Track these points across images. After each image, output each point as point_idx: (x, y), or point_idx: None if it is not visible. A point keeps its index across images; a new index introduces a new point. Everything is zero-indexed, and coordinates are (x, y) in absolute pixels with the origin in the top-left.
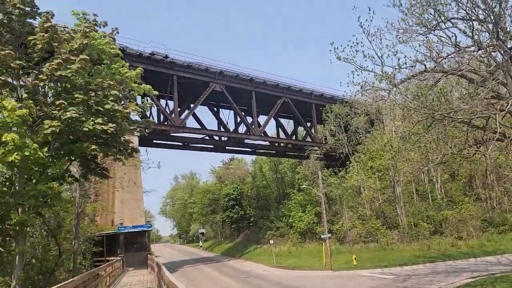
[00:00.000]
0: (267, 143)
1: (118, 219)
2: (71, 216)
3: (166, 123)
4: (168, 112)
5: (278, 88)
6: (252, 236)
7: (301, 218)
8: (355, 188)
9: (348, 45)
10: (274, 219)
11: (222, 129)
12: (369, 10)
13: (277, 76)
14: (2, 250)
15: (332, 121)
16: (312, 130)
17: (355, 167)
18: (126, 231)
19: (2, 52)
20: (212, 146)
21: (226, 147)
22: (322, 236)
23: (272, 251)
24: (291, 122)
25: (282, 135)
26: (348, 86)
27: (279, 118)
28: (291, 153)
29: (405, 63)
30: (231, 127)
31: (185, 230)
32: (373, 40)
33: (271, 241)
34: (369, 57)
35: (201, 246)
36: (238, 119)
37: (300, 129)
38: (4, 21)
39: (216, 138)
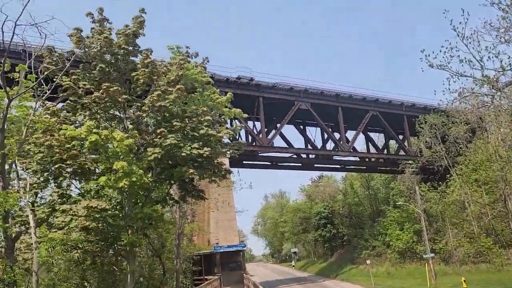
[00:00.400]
0: (356, 158)
1: (214, 239)
2: (172, 236)
3: (254, 143)
4: (256, 133)
5: (365, 102)
6: (347, 255)
7: (399, 237)
8: (459, 203)
9: (440, 51)
10: (369, 237)
11: (309, 147)
12: (463, 12)
13: (363, 90)
14: (116, 269)
15: (427, 132)
16: (405, 143)
17: (457, 181)
18: (222, 250)
19: (111, 89)
20: (300, 164)
21: (314, 165)
22: (424, 256)
23: (369, 272)
24: (382, 135)
25: (372, 149)
26: (444, 94)
27: (368, 133)
28: (383, 168)
29: (510, 64)
30: (319, 144)
31: (277, 249)
32: (470, 43)
33: (368, 261)
34: (466, 61)
35: (293, 266)
36: (325, 136)
37: (392, 142)
38: (112, 61)
39: (304, 156)
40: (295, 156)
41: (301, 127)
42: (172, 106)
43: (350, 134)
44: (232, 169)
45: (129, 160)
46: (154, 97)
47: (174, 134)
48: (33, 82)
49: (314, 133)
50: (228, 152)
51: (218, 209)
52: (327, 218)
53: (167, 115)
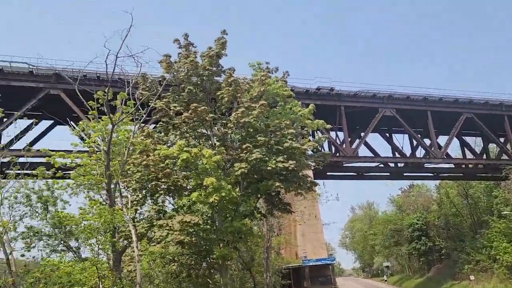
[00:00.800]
0: (451, 165)
1: (302, 252)
2: (260, 249)
3: (338, 154)
4: (339, 143)
5: (457, 104)
6: (446, 270)
7: (507, 250)
8: None
9: None
10: (471, 251)
11: (397, 155)
12: None
13: (453, 91)
14: (210, 281)
15: None
16: (508, 146)
17: None
18: (311, 264)
19: (199, 109)
20: (388, 174)
21: (404, 174)
22: None
23: None
24: (479, 139)
25: (469, 155)
26: None
27: (462, 137)
28: (483, 175)
29: None
30: (407, 152)
31: (367, 263)
32: None
33: (472, 277)
34: None
35: (386, 280)
36: (414, 143)
37: (492, 146)
38: (198, 82)
39: (392, 165)
40: (382, 165)
41: (387, 134)
42: (255, 121)
43: (442, 140)
44: (317, 181)
45: (218, 175)
46: (238, 114)
47: (259, 148)
48: (131, 107)
49: (401, 140)
50: (312, 164)
51: (305, 222)
52: (421, 230)
53: (251, 130)
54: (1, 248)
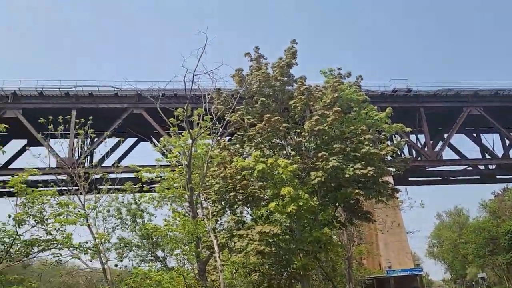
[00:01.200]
0: None
1: (385, 262)
2: (341, 259)
3: (419, 158)
4: (420, 146)
5: None
6: None
7: None
8: None
9: None
10: None
11: (487, 156)
12: None
13: None
14: None
15: None
16: None
17: None
18: (395, 275)
19: (272, 119)
20: (477, 177)
21: (497, 176)
22: None
23: None
24: None
25: None
26: None
27: None
28: None
29: None
30: (499, 152)
31: (459, 274)
32: None
33: None
34: None
35: None
36: (507, 142)
37: None
38: (270, 93)
39: (482, 167)
40: (470, 168)
41: (474, 135)
42: (330, 128)
43: None
44: (398, 187)
45: (295, 185)
46: (312, 122)
47: (335, 156)
48: (209, 122)
49: (492, 140)
50: (392, 170)
51: (388, 231)
52: None
53: (326, 138)
54: (98, 258)
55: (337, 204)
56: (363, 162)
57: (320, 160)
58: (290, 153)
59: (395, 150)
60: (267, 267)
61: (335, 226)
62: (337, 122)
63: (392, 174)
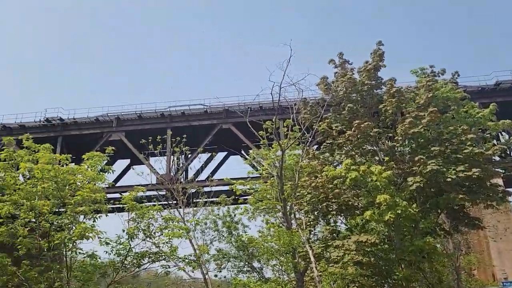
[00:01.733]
0: None
1: (500, 273)
2: (447, 270)
3: None
4: None
5: None
6: None
7: None
8: None
9: None
10: None
11: None
12: None
13: None
14: None
15: None
16: None
17: None
18: None
19: (362, 125)
20: None
21: None
22: None
23: None
24: None
25: None
26: None
27: None
28: None
29: None
30: None
31: None
32: None
33: None
34: None
35: None
36: None
37: None
38: (358, 98)
39: None
40: None
41: None
42: (426, 130)
43: None
44: (510, 189)
45: (391, 192)
46: (405, 125)
47: (434, 159)
48: (298, 132)
49: None
50: (501, 171)
51: (501, 238)
52: None
53: (422, 140)
54: (199, 269)
55: (439, 211)
56: (467, 164)
57: (417, 164)
58: (383, 159)
59: (504, 149)
60: (366, 278)
61: (439, 234)
62: (433, 123)
63: (502, 175)
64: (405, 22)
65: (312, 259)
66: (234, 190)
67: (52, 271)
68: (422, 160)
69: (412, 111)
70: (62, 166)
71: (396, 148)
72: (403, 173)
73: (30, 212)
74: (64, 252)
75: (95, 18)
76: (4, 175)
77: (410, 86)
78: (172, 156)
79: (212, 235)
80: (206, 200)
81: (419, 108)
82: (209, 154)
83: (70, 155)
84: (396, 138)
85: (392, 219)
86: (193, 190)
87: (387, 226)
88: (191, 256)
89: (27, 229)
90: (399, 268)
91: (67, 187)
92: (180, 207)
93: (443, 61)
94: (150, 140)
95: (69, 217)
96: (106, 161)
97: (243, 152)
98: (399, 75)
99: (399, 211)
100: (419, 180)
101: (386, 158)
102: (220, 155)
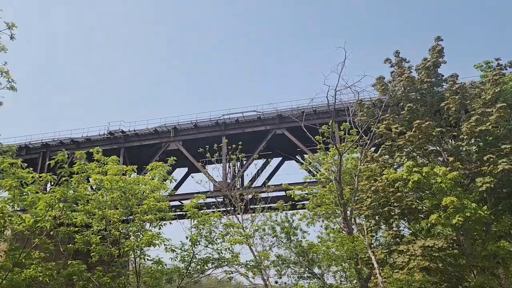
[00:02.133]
0: None
1: None
2: None
3: None
4: None
5: None
6: None
7: None
8: None
9: None
10: None
11: None
12: None
13: None
14: None
15: None
16: None
17: None
18: None
19: (423, 125)
20: None
21: None
22: None
23: None
24: None
25: None
26: None
27: None
28: None
29: None
30: None
31: None
32: None
33: None
34: None
35: None
36: None
37: None
38: (417, 97)
39: None
40: None
41: None
42: (494, 128)
43: None
44: None
45: (457, 193)
46: (471, 123)
47: (505, 158)
48: (355, 135)
49: None
50: None
51: None
52: None
53: (490, 138)
54: (260, 275)
55: None
56: None
57: (486, 164)
58: (447, 159)
59: None
60: (435, 285)
61: None
62: (502, 119)
63: None
64: (467, 12)
65: (376, 265)
66: (291, 196)
67: (123, 277)
68: (492, 159)
69: (478, 108)
70: (128, 176)
71: (461, 148)
72: (470, 174)
73: (102, 221)
74: (133, 259)
75: (167, 43)
76: (78, 187)
77: (475, 82)
78: (228, 163)
79: (271, 241)
80: (263, 206)
81: (485, 104)
82: (264, 160)
83: (136, 166)
84: (461, 137)
85: (460, 223)
86: (250, 196)
87: (455, 230)
88: (252, 262)
89: (99, 237)
90: (471, 274)
91: (133, 196)
92: (238, 214)
93: (509, 53)
94: (207, 148)
95: (136, 225)
96: (167, 171)
97: (298, 157)
98: (461, 72)
99: (468, 214)
100: (490, 180)
101: (451, 159)
102: (275, 161)
